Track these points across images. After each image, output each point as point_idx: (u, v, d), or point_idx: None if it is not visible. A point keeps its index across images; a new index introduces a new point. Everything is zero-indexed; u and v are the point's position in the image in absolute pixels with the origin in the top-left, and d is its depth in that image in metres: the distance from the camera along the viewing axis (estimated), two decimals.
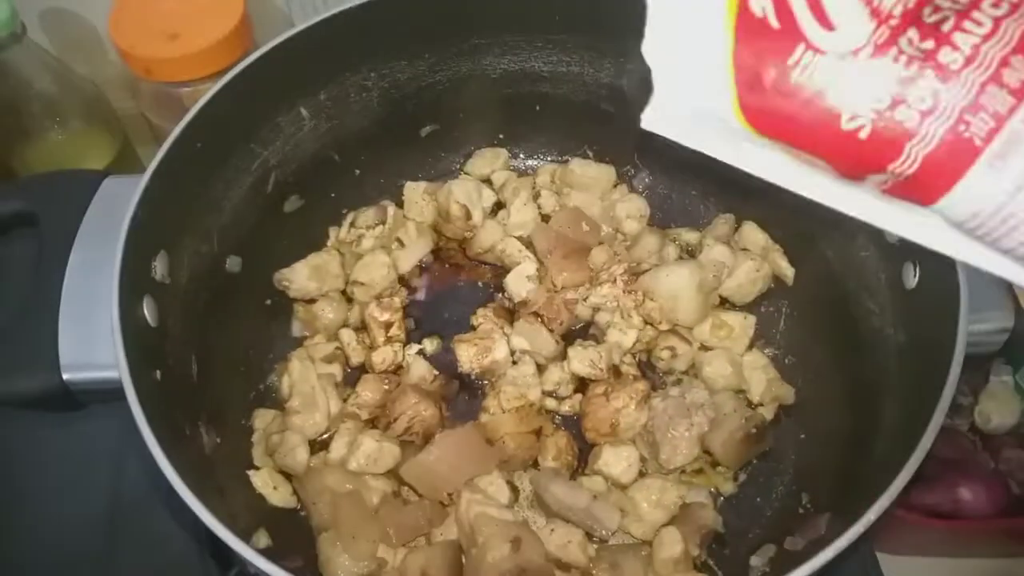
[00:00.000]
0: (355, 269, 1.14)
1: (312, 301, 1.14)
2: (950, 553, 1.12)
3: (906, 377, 0.89)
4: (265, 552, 0.90)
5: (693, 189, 1.24)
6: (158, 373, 0.86)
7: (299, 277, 1.12)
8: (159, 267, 0.90)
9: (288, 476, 0.99)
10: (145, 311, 0.87)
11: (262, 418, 1.04)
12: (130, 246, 0.84)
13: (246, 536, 0.90)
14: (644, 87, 1.14)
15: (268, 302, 1.14)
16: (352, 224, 1.16)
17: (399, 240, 1.18)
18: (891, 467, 0.75)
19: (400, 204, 1.22)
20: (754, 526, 0.99)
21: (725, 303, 1.14)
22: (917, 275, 0.89)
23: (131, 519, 1.06)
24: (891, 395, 0.91)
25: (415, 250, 1.18)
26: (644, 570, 0.92)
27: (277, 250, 1.14)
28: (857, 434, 0.94)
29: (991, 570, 1.12)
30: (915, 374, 0.87)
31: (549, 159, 1.29)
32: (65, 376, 0.83)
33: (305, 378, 1.02)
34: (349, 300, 1.16)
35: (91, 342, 0.83)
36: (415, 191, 1.21)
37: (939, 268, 0.84)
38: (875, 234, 0.96)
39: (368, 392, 1.05)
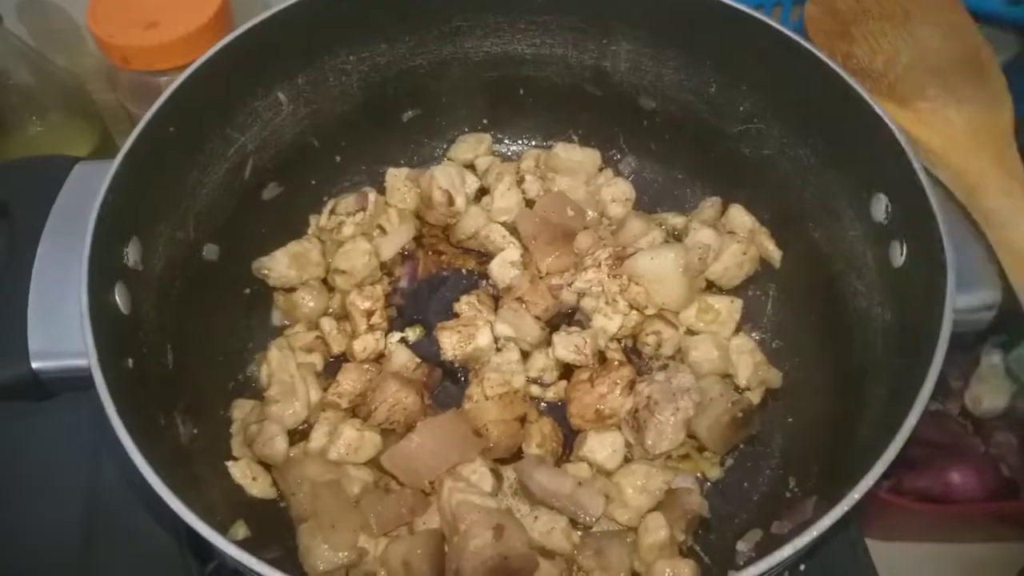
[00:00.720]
0: (336, 257, 1.12)
1: (292, 290, 1.12)
2: (940, 538, 1.11)
3: (893, 357, 0.88)
4: (243, 544, 0.90)
5: (679, 173, 1.23)
6: (130, 361, 0.84)
7: (279, 265, 1.10)
8: (131, 253, 0.88)
9: (267, 467, 0.98)
10: (117, 298, 0.85)
11: (240, 408, 1.02)
12: (100, 231, 0.82)
13: (223, 528, 0.88)
14: (631, 69, 1.15)
15: (247, 291, 1.12)
16: (332, 211, 1.14)
17: (381, 227, 1.16)
18: (876, 449, 0.73)
19: (382, 191, 1.20)
20: (741, 511, 0.98)
21: (712, 287, 1.12)
22: (904, 253, 0.88)
23: (108, 513, 1.04)
24: (878, 376, 0.89)
25: (397, 237, 1.16)
26: (629, 556, 0.90)
27: (256, 238, 1.12)
28: (844, 417, 0.93)
29: (981, 555, 1.11)
30: (902, 353, 0.86)
31: (533, 144, 1.28)
32: (34, 364, 0.81)
33: (284, 367, 1.00)
34: (330, 289, 1.14)
35: (61, 330, 0.81)
36: (397, 177, 1.20)
37: (926, 245, 0.83)
38: (863, 213, 0.95)
39: (349, 381, 1.03)
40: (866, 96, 0.91)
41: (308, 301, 1.10)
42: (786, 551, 0.65)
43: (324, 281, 1.14)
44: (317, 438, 0.98)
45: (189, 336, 1.00)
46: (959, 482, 1.03)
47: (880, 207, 0.92)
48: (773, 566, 0.65)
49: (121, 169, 0.86)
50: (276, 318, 1.13)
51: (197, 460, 0.93)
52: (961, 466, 1.04)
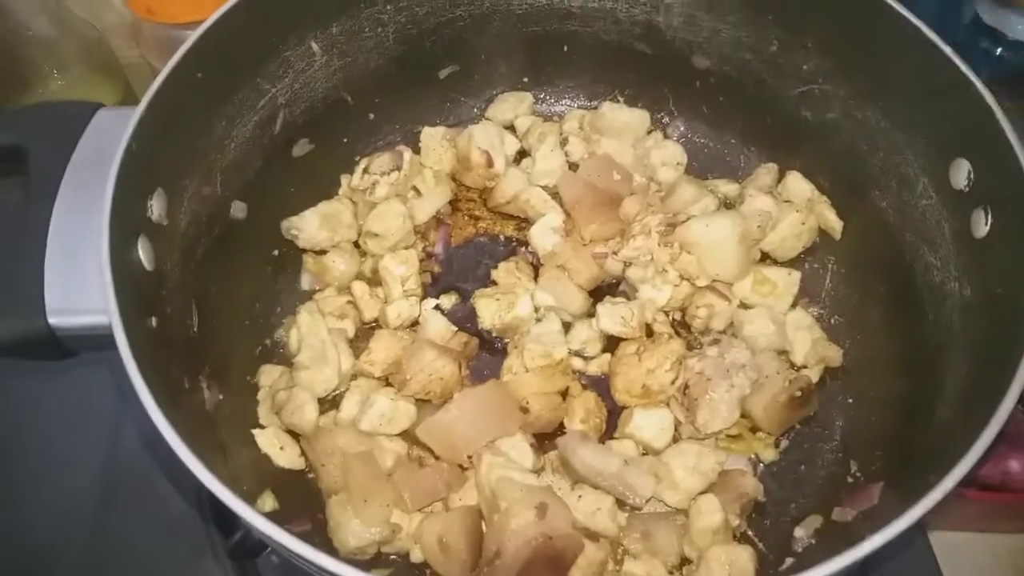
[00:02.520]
0: (368, 219, 1.06)
1: (322, 252, 1.06)
2: (996, 528, 1.06)
3: (974, 335, 0.81)
4: (271, 516, 0.85)
5: (732, 137, 1.16)
6: (153, 320, 0.79)
7: (309, 226, 1.04)
8: (156, 206, 0.83)
9: (295, 436, 0.93)
10: (140, 253, 0.79)
11: (268, 374, 0.97)
12: (123, 181, 0.77)
13: (251, 499, 0.84)
14: (685, 24, 1.08)
15: (275, 252, 1.06)
16: (366, 170, 1.08)
17: (415, 189, 1.10)
18: (959, 435, 0.67)
19: (417, 151, 1.13)
20: (798, 495, 0.92)
21: (767, 259, 1.06)
22: (989, 223, 0.81)
23: (128, 478, 1.01)
24: (955, 356, 0.83)
25: (433, 200, 1.10)
26: (679, 540, 0.85)
27: (285, 197, 1.06)
28: (914, 399, 0.86)
29: None
30: (986, 332, 0.79)
31: (577, 104, 1.21)
32: (51, 321, 0.76)
33: (315, 332, 0.95)
34: (362, 252, 1.08)
35: (79, 285, 0.76)
36: (433, 137, 1.13)
37: (1017, 213, 0.76)
38: (939, 180, 0.88)
39: (382, 349, 0.97)
40: (950, 52, 0.84)
41: (339, 264, 1.05)
42: (868, 545, 0.59)
43: (356, 244, 1.08)
44: (348, 407, 0.93)
45: (215, 297, 0.95)
46: (1019, 470, 0.98)
47: (961, 173, 0.85)
48: (855, 560, 0.59)
49: (146, 115, 0.81)
50: (306, 282, 1.08)
51: (223, 426, 0.88)
52: (1020, 454, 0.98)
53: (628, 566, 0.84)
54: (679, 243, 0.99)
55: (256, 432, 0.90)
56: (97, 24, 1.28)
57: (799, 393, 0.91)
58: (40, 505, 1.03)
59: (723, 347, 0.95)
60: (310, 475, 0.92)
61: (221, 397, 0.90)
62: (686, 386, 0.93)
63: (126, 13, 1.15)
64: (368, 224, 1.06)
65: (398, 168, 1.07)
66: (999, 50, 1.23)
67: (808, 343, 0.98)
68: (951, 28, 1.22)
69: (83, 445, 1.05)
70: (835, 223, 1.04)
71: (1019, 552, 1.05)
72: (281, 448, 0.89)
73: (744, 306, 1.01)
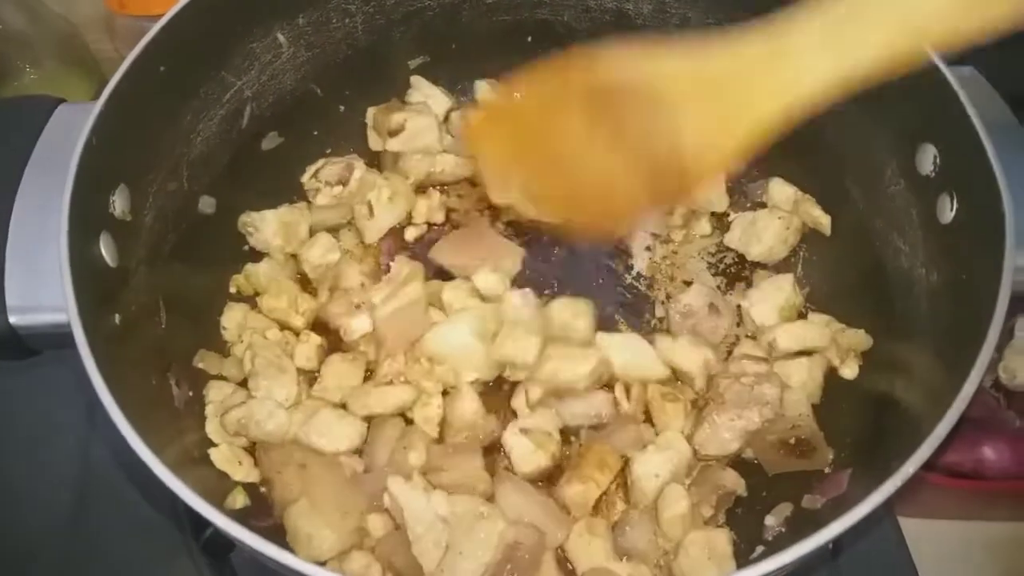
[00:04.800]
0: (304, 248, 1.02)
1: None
2: (970, 515, 1.06)
3: (940, 322, 0.81)
4: (241, 512, 0.85)
5: None
6: (117, 318, 0.78)
7: (266, 227, 1.01)
8: (118, 202, 0.82)
9: (248, 450, 0.90)
10: (103, 249, 0.78)
11: (218, 390, 0.91)
12: (83, 177, 0.76)
13: (220, 497, 0.84)
14: (655, 12, 1.07)
15: (246, 248, 1.05)
16: (314, 175, 1.06)
17: (369, 205, 1.05)
18: (925, 421, 0.67)
19: (373, 164, 1.11)
20: (769, 483, 0.91)
21: (758, 266, 1.06)
22: (954, 208, 0.81)
23: (101, 478, 1.00)
24: (922, 343, 0.83)
25: (386, 218, 1.06)
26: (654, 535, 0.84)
27: (255, 192, 1.05)
28: (882, 387, 0.87)
29: (1013, 533, 1.06)
30: (951, 319, 0.79)
31: None
32: (12, 319, 0.75)
33: (267, 346, 0.93)
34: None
35: (40, 283, 0.75)
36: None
37: (981, 198, 0.76)
38: (907, 166, 0.88)
39: (334, 375, 0.93)
40: None
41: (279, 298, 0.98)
42: (834, 528, 0.59)
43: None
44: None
45: (184, 293, 0.94)
46: (992, 458, 0.99)
47: (927, 158, 0.85)
48: (819, 545, 0.59)
49: (106, 109, 0.80)
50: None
51: (192, 423, 0.88)
52: (994, 441, 0.99)
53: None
54: (425, 358, 0.93)
55: (212, 451, 0.86)
56: (71, 18, 1.27)
57: (792, 441, 0.88)
58: (14, 507, 1.02)
59: (759, 377, 0.91)
60: (262, 489, 0.87)
61: (191, 394, 0.90)
62: (706, 398, 0.92)
63: (100, 7, 1.14)
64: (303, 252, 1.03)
65: (343, 183, 1.04)
66: None
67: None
68: None
69: (55, 446, 1.04)
70: (823, 220, 1.03)
71: (992, 540, 1.06)
72: (240, 463, 0.86)
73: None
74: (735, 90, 0.65)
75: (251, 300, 1.02)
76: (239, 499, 0.85)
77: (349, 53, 1.07)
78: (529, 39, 1.14)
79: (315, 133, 1.12)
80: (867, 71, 0.59)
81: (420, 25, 1.09)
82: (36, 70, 1.24)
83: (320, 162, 1.08)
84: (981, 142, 0.77)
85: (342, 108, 1.13)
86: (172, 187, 0.92)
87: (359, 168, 1.08)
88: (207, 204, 0.99)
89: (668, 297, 1.04)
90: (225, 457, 0.85)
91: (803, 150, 1.02)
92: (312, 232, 1.04)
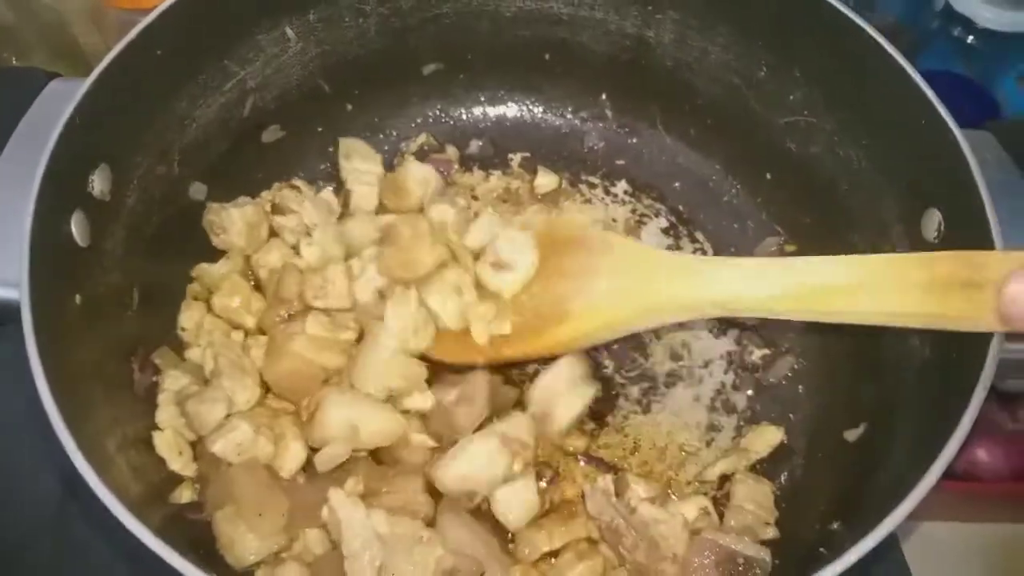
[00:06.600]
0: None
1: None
2: (963, 517, 1.03)
3: (926, 394, 0.78)
4: (189, 507, 0.83)
5: (717, 163, 1.12)
6: (78, 298, 0.77)
7: (232, 228, 0.95)
8: (98, 182, 0.81)
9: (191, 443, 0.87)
10: (73, 228, 0.78)
11: (175, 380, 0.87)
12: (61, 153, 0.76)
13: (166, 491, 0.83)
14: (676, 41, 1.04)
15: None
16: (273, 199, 1.00)
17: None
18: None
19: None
20: None
21: None
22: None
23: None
24: (906, 415, 0.79)
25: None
26: None
27: (251, 182, 1.04)
28: (863, 458, 0.83)
29: (1006, 535, 1.03)
30: (937, 392, 0.76)
31: (558, 113, 1.17)
32: None
33: (228, 345, 0.90)
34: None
35: (2, 256, 0.74)
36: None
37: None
38: (912, 229, 0.84)
39: None
40: (933, 99, 0.80)
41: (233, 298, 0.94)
42: None
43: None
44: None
45: (163, 278, 0.94)
46: (985, 460, 1.00)
47: (932, 223, 0.81)
48: None
49: (94, 89, 0.80)
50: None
51: (149, 409, 0.87)
52: (987, 443, 1.00)
53: None
54: None
55: (155, 434, 0.84)
56: (58, 9, 1.25)
57: None
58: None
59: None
60: (196, 485, 0.84)
61: (155, 379, 0.89)
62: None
63: None
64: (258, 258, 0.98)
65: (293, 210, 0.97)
66: (970, 38, 1.23)
67: None
68: (923, 16, 1.22)
69: (38, 440, 1.02)
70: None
71: (986, 541, 1.03)
72: (180, 453, 0.83)
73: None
74: (648, 277, 0.86)
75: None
76: (185, 494, 0.83)
77: (360, 53, 1.06)
78: (547, 56, 1.11)
79: (319, 129, 1.10)
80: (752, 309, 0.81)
81: (436, 32, 1.07)
82: (23, 61, 1.24)
83: (277, 187, 1.03)
84: (987, 216, 0.72)
85: (349, 106, 1.11)
86: (161, 171, 0.92)
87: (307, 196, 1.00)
88: (198, 190, 0.98)
89: None
90: (168, 443, 0.83)
91: (813, 199, 1.00)
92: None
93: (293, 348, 0.83)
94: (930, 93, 0.80)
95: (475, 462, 0.81)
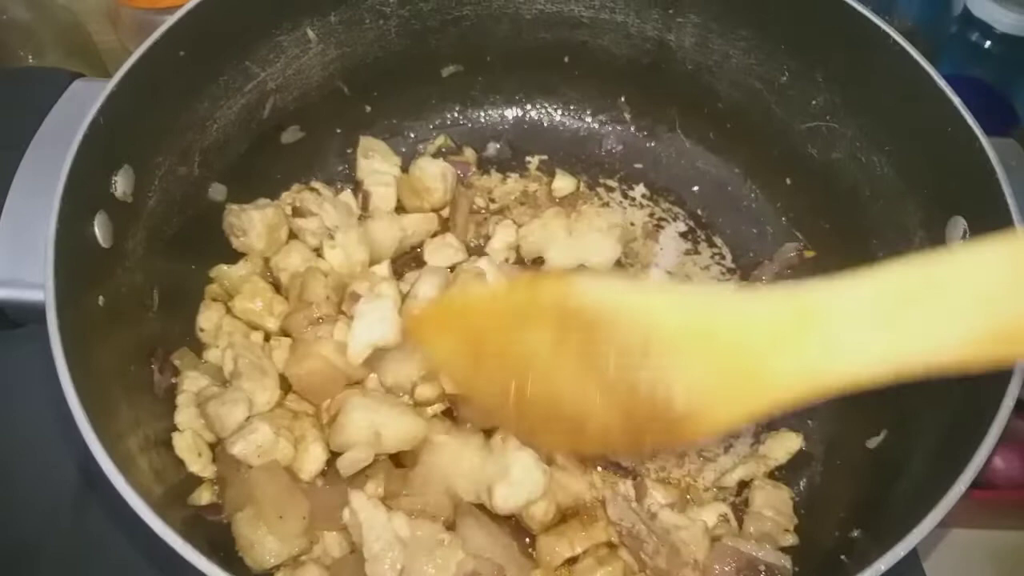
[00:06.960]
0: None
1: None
2: (979, 524, 1.01)
3: (950, 404, 0.77)
4: (207, 509, 0.83)
5: (737, 167, 1.11)
6: (101, 299, 0.77)
7: (253, 231, 0.96)
8: (120, 183, 0.81)
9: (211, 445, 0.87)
10: (96, 229, 0.78)
11: (194, 381, 0.87)
12: (85, 155, 0.75)
13: (185, 492, 0.83)
14: (697, 45, 1.04)
15: None
16: (302, 188, 1.02)
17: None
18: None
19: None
20: None
21: None
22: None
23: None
24: (925, 423, 0.79)
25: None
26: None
27: (270, 183, 1.04)
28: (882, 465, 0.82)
29: (1020, 543, 1.01)
30: (960, 401, 0.75)
31: (579, 117, 1.17)
32: None
33: (248, 347, 0.90)
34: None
35: (29, 256, 0.75)
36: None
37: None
38: (936, 236, 0.84)
39: None
40: (959, 105, 0.80)
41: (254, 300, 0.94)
42: None
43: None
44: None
45: (182, 278, 0.94)
46: (1002, 467, 0.97)
47: (956, 232, 0.80)
48: None
49: (118, 90, 0.79)
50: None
51: (169, 410, 0.87)
52: (1004, 450, 0.96)
53: None
54: None
55: (175, 435, 0.84)
56: (74, 8, 1.26)
57: None
58: (17, 500, 1.00)
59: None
60: (215, 487, 0.85)
61: (174, 381, 0.89)
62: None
63: None
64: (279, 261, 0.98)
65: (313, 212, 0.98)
66: (988, 43, 1.21)
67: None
68: (940, 20, 1.21)
69: (58, 437, 1.03)
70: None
71: (1001, 548, 1.01)
72: (199, 455, 0.84)
73: None
74: (743, 354, 0.54)
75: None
76: (205, 496, 0.83)
77: (380, 55, 1.06)
78: (566, 59, 1.11)
79: (338, 131, 1.10)
80: (932, 363, 0.49)
81: (456, 34, 1.07)
82: (39, 60, 1.23)
83: (296, 188, 1.03)
84: (1013, 223, 0.72)
85: (368, 108, 1.11)
86: (182, 171, 0.92)
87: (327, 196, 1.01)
88: (218, 191, 0.98)
89: None
90: (187, 445, 0.83)
91: (834, 204, 0.99)
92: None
93: (320, 350, 0.83)
94: (956, 100, 0.79)
95: None
